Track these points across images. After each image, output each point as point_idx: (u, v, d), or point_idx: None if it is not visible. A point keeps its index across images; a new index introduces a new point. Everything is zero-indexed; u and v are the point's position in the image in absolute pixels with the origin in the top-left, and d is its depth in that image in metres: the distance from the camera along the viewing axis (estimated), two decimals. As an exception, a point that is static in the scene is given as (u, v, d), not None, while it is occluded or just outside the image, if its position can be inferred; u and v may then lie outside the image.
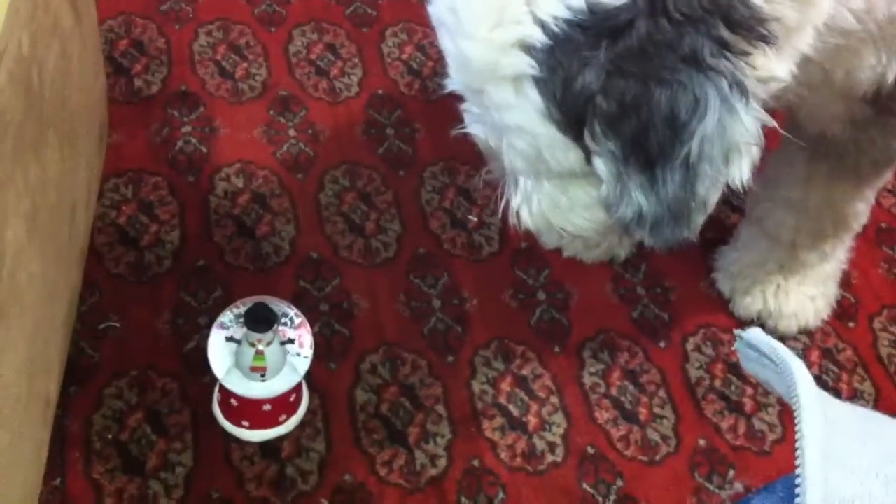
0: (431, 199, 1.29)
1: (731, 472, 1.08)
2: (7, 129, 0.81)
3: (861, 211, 1.11)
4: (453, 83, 0.78)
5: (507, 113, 0.73)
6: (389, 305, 1.17)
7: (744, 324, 1.21)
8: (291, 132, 1.34)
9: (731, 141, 0.68)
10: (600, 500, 1.05)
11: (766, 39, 0.68)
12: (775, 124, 0.72)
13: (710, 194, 0.71)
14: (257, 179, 1.28)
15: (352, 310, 1.16)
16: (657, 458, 1.09)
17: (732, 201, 1.29)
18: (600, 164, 0.71)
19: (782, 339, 1.20)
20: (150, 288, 1.15)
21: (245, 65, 1.41)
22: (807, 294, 1.19)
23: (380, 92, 1.40)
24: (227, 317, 1.03)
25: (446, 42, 0.75)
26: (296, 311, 1.05)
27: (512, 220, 0.85)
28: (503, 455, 1.07)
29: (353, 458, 1.04)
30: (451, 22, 0.73)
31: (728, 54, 0.67)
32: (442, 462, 1.06)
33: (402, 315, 1.17)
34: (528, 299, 1.20)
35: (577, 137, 0.70)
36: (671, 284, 1.24)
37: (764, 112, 0.70)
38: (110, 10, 1.42)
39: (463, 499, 1.03)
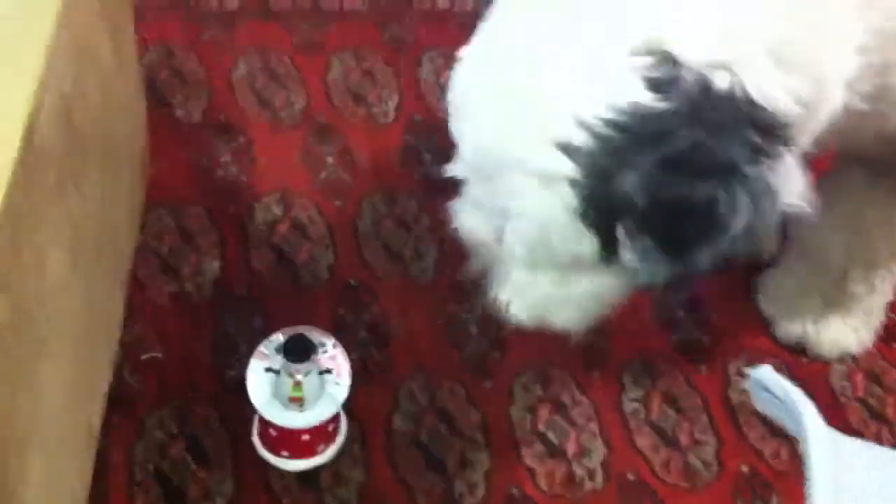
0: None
1: (775, 499, 1.07)
2: (50, 164, 0.83)
3: None
4: (459, 168, 0.78)
5: (523, 202, 0.73)
6: (427, 331, 1.18)
7: (785, 348, 1.19)
8: (329, 159, 1.35)
9: (760, 236, 0.73)
10: (641, 528, 1.04)
11: (788, 143, 0.71)
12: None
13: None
14: (296, 207, 1.29)
15: (389, 336, 1.17)
16: (699, 484, 1.07)
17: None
18: (627, 255, 0.73)
19: (825, 362, 1.19)
20: (191, 317, 1.16)
21: (284, 93, 1.42)
22: (850, 325, 1.17)
23: (417, 117, 1.41)
24: (265, 347, 1.04)
25: (462, 125, 0.76)
26: (333, 340, 1.05)
27: (500, 313, 0.85)
28: (542, 483, 1.06)
29: (391, 486, 1.05)
30: (469, 110, 0.75)
31: (762, 160, 0.70)
32: (480, 490, 1.05)
33: (439, 341, 1.17)
34: (566, 324, 1.20)
35: (606, 234, 0.72)
36: (712, 307, 1.23)
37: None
38: (151, 40, 1.45)
39: (502, 527, 1.03)
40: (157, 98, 1.39)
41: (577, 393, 1.14)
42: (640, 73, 0.67)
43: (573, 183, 0.70)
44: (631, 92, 0.68)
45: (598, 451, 1.09)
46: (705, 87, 0.68)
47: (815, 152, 0.79)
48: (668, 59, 0.68)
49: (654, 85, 0.68)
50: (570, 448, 1.10)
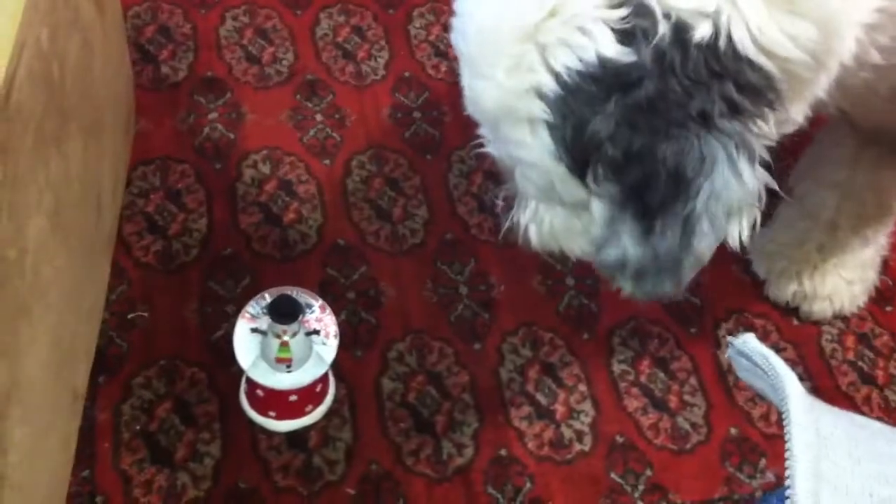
0: (459, 183, 1.28)
1: (763, 461, 1.07)
2: (27, 125, 0.81)
3: None
4: (469, 111, 0.79)
5: (521, 149, 0.74)
6: (416, 293, 1.17)
7: (777, 309, 1.19)
8: (318, 117, 1.33)
9: (735, 201, 0.69)
10: (629, 489, 1.04)
11: (773, 105, 0.68)
12: (776, 187, 0.72)
13: (705, 251, 0.72)
14: (284, 166, 1.27)
15: (378, 297, 1.16)
16: (687, 447, 1.07)
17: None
18: (597, 206, 0.73)
19: (817, 323, 1.18)
20: (178, 277, 1.15)
21: (272, 49, 1.40)
22: (844, 278, 1.17)
23: (406, 75, 1.39)
24: (252, 308, 1.03)
25: (464, 75, 0.76)
26: (321, 300, 1.05)
27: (519, 237, 0.86)
28: (530, 444, 1.06)
29: (379, 447, 1.04)
30: (467, 60, 0.75)
31: (738, 116, 0.68)
32: (469, 451, 1.05)
33: (429, 302, 1.16)
34: (556, 285, 1.19)
35: (583, 178, 0.72)
36: (702, 270, 1.22)
37: (767, 174, 0.71)
38: (137, -5, 1.42)
39: (490, 489, 1.03)
40: (142, 54, 1.36)
41: (566, 354, 1.13)
42: (611, 24, 0.66)
43: (550, 127, 0.70)
44: (602, 44, 0.66)
45: (587, 413, 1.09)
46: (680, 39, 0.66)
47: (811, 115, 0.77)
48: (642, 10, 0.66)
49: (625, 37, 0.66)
50: (559, 409, 1.09)
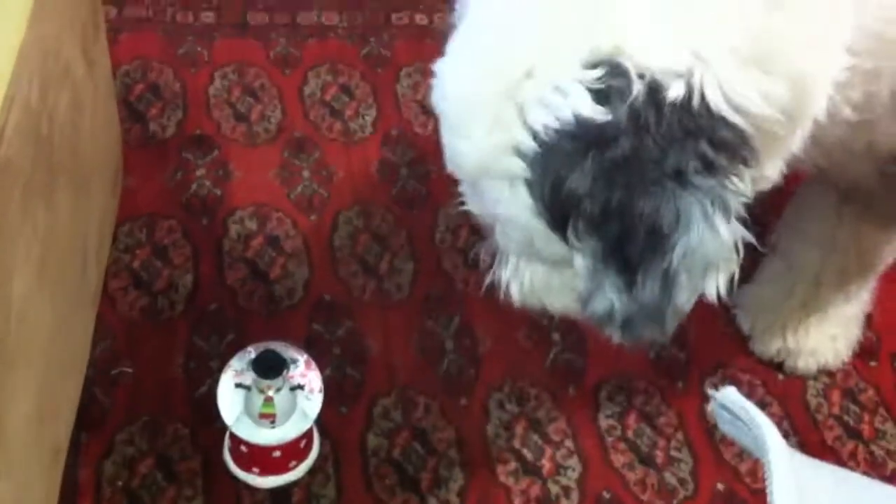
0: (445, 238, 1.28)
1: (751, 517, 1.06)
2: (15, 180, 0.81)
3: (887, 253, 1.09)
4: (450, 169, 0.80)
5: (500, 206, 0.75)
6: (402, 347, 1.17)
7: (762, 364, 1.19)
8: (305, 174, 1.34)
9: (711, 256, 0.70)
10: (616, 546, 1.03)
11: (747, 162, 0.69)
12: (753, 241, 0.73)
13: (685, 303, 0.73)
14: (271, 222, 1.28)
15: (364, 352, 1.16)
16: (674, 502, 1.07)
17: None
18: (579, 261, 0.74)
19: (803, 377, 1.18)
20: (163, 332, 1.15)
21: (260, 107, 1.41)
22: (827, 333, 1.17)
23: (394, 132, 1.41)
24: (236, 363, 1.03)
25: (444, 134, 0.77)
26: (306, 355, 1.04)
27: (501, 293, 0.87)
28: (517, 501, 1.05)
29: (364, 504, 1.03)
30: (447, 119, 0.75)
31: (713, 172, 0.68)
32: (455, 508, 1.04)
33: (414, 357, 1.16)
34: (542, 340, 1.19)
35: (563, 233, 0.73)
36: (688, 324, 1.22)
37: (744, 229, 0.72)
38: (127, 54, 1.44)
39: (476, 546, 1.02)
40: (131, 112, 1.38)
41: (552, 410, 1.13)
42: (587, 85, 0.67)
43: (528, 184, 0.71)
44: (578, 104, 0.67)
45: (574, 469, 1.08)
46: (654, 98, 0.67)
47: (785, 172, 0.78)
48: (617, 70, 0.67)
49: (601, 97, 0.67)
50: (546, 465, 1.09)
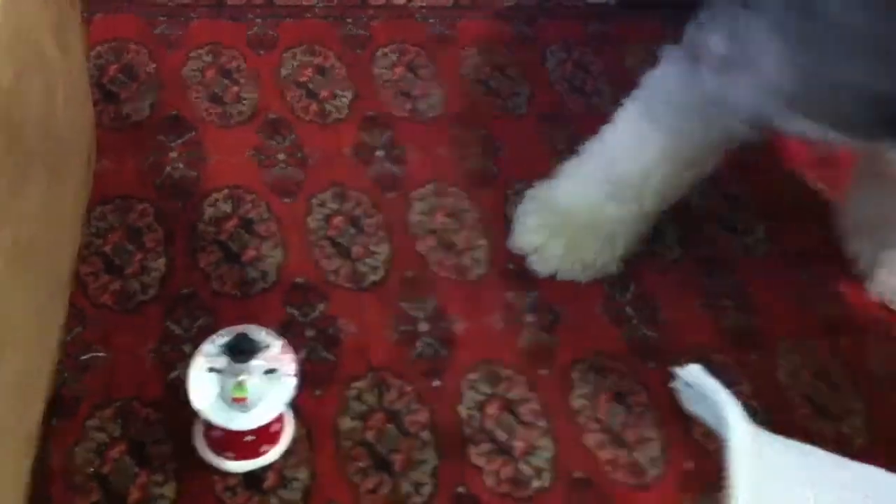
0: (420, 220, 1.28)
1: (721, 496, 1.07)
2: (-18, 167, 0.81)
3: None
4: None
5: None
6: (377, 330, 1.17)
7: (735, 342, 1.20)
8: (280, 156, 1.34)
9: None
10: (587, 526, 1.04)
11: None
12: None
13: None
14: (245, 204, 1.28)
15: (338, 335, 1.16)
16: (646, 481, 1.08)
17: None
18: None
19: (775, 357, 1.19)
20: (136, 316, 1.15)
21: (235, 88, 1.41)
22: None
23: (370, 114, 1.40)
24: (208, 346, 1.03)
25: None
26: (281, 339, 1.04)
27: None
28: (489, 481, 1.06)
29: (337, 486, 1.04)
30: None
31: None
32: (427, 489, 1.05)
33: (389, 340, 1.16)
34: (516, 321, 1.19)
35: None
36: (661, 304, 1.23)
37: None
38: (103, 35, 1.43)
39: (448, 527, 1.02)
40: (105, 94, 1.37)
41: (525, 391, 1.14)
42: None
43: None
44: None
45: (546, 449, 1.09)
46: None
47: None
48: None
49: None
50: (518, 446, 1.09)
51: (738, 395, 1.12)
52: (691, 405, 0.64)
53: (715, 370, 1.15)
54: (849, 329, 1.23)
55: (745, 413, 0.61)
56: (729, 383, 1.07)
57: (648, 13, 1.56)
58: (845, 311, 1.24)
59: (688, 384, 0.63)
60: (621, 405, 1.13)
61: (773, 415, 1.13)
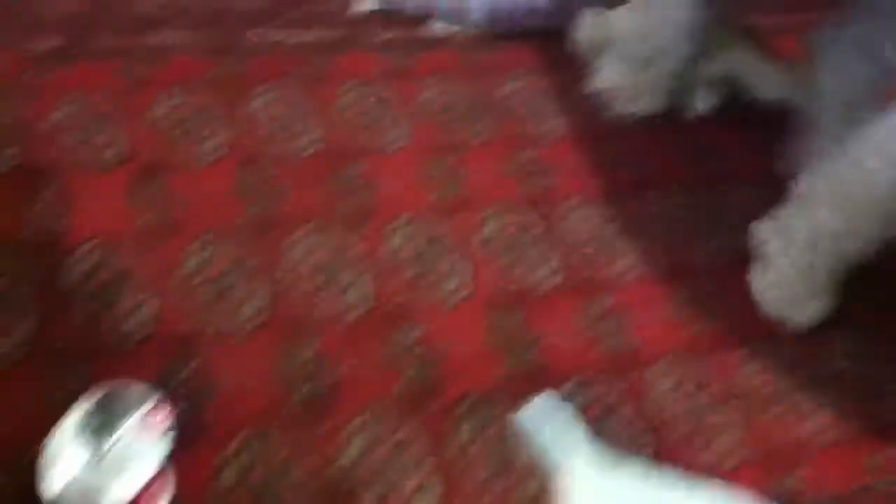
0: (300, 261, 1.26)
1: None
2: None
3: None
4: None
5: None
6: (258, 377, 1.14)
7: (615, 364, 1.21)
8: (155, 201, 1.30)
9: None
10: (478, 564, 1.03)
11: None
12: None
13: None
14: (118, 254, 1.24)
15: (218, 386, 1.13)
16: (535, 514, 1.08)
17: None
18: None
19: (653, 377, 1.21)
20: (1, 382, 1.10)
21: (107, 133, 1.37)
22: None
23: (248, 153, 1.38)
24: (76, 409, 0.99)
25: None
26: (155, 394, 1.01)
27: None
28: (378, 526, 1.05)
29: (220, 543, 1.01)
30: None
31: None
32: (314, 539, 1.03)
33: (270, 387, 1.14)
34: (400, 359, 1.18)
35: None
36: (545, 331, 1.24)
37: None
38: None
39: (335, 577, 1.01)
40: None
41: (412, 430, 1.12)
42: None
43: None
44: None
45: (435, 489, 1.08)
46: None
47: None
48: None
49: None
50: (409, 485, 1.08)
51: (621, 417, 1.13)
52: (532, 443, 0.64)
53: (599, 393, 1.16)
54: (729, 344, 1.26)
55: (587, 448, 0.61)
56: (609, 406, 1.09)
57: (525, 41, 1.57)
58: (726, 326, 1.27)
59: (529, 424, 0.63)
60: (511, 436, 1.13)
61: (655, 434, 1.15)
